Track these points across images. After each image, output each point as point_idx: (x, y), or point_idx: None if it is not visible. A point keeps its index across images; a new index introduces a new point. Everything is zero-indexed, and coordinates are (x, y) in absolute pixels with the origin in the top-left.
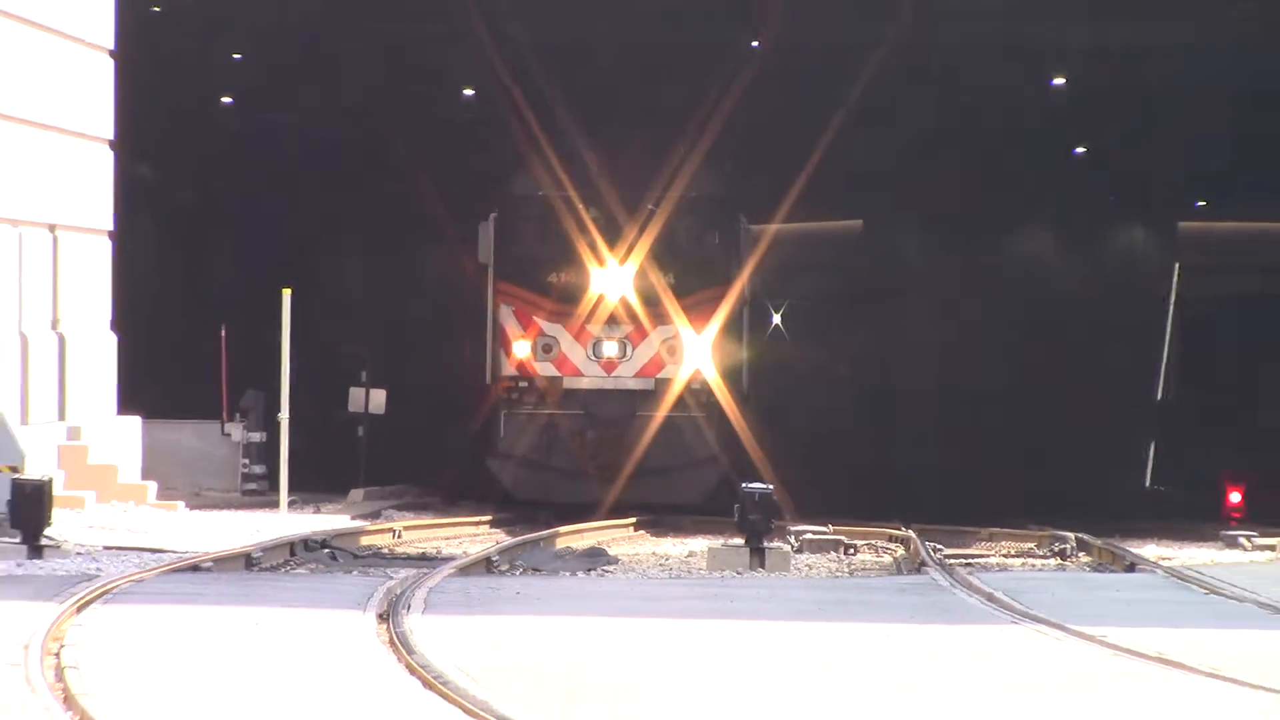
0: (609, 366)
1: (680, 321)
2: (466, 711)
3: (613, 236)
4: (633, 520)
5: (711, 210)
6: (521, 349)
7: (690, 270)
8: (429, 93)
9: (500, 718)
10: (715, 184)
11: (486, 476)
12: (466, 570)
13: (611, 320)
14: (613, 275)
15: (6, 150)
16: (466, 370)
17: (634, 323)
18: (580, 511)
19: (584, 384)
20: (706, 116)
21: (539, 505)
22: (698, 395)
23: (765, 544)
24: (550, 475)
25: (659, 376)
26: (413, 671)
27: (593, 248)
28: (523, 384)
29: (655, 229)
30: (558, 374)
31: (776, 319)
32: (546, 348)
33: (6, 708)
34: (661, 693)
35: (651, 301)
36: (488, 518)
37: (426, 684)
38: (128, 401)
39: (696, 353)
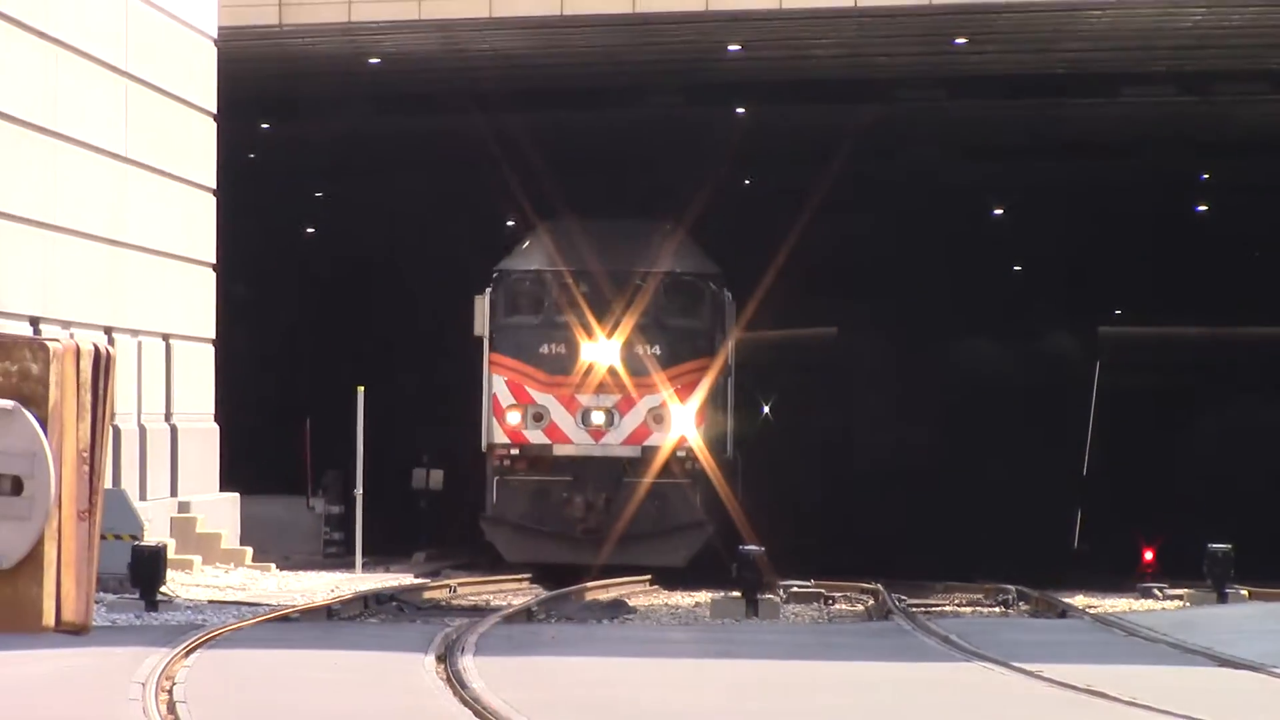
0: (597, 434)
1: (666, 391)
2: None
3: (601, 310)
4: (648, 577)
5: (697, 285)
6: (513, 417)
7: (676, 342)
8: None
9: None
10: (701, 261)
11: (482, 540)
12: (510, 619)
13: (600, 390)
14: (601, 347)
15: (129, 273)
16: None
17: (622, 392)
18: (571, 573)
19: (573, 451)
20: (696, 213)
21: (530, 567)
22: (683, 462)
23: (758, 596)
24: (541, 539)
25: (645, 444)
26: (466, 704)
27: (582, 320)
28: (514, 451)
29: (643, 302)
30: (548, 441)
31: (766, 409)
32: (537, 416)
33: None
34: (678, 718)
35: (638, 372)
36: (528, 575)
37: (478, 714)
38: (228, 480)
39: (682, 421)
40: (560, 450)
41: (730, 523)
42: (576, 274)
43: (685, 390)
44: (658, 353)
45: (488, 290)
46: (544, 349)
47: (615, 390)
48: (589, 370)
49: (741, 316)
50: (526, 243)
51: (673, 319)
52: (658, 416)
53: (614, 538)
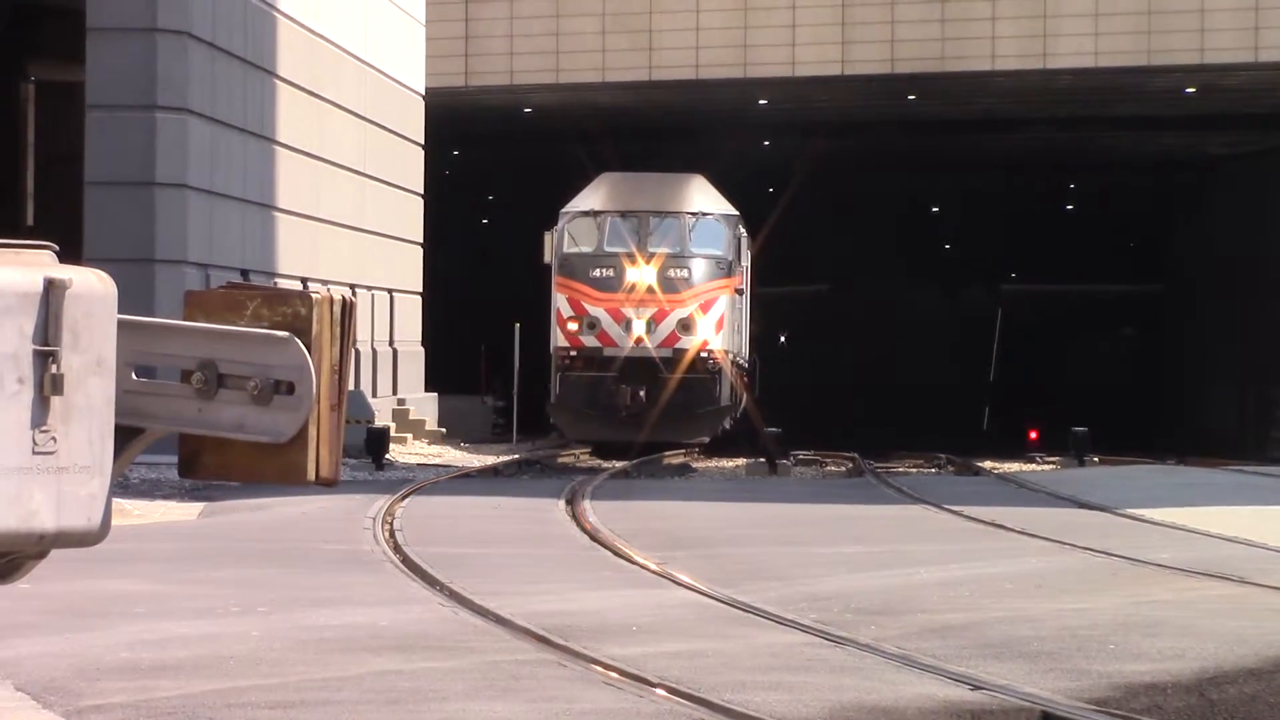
0: (638, 340)
1: (692, 306)
2: (613, 551)
3: (642, 240)
4: (699, 448)
5: (718, 222)
6: (572, 326)
7: (701, 267)
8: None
9: (628, 555)
10: (722, 203)
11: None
12: (614, 476)
13: (640, 304)
14: (642, 270)
15: (365, 250)
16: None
17: (657, 306)
18: (620, 449)
19: (619, 352)
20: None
21: (587, 443)
22: (705, 362)
23: (777, 461)
24: (594, 422)
25: (676, 347)
26: (584, 530)
27: (627, 250)
28: (573, 353)
29: (674, 235)
30: (599, 345)
31: (783, 339)
32: (591, 325)
33: (361, 552)
34: (724, 539)
35: (670, 290)
36: (588, 449)
37: (591, 536)
38: (430, 384)
39: (705, 329)
40: (609, 352)
41: (746, 410)
42: (624, 213)
43: (707, 306)
44: (685, 275)
45: (554, 228)
46: (597, 272)
47: (652, 305)
48: (632, 289)
49: (754, 253)
50: (585, 189)
51: (698, 249)
52: (685, 325)
53: (651, 420)
